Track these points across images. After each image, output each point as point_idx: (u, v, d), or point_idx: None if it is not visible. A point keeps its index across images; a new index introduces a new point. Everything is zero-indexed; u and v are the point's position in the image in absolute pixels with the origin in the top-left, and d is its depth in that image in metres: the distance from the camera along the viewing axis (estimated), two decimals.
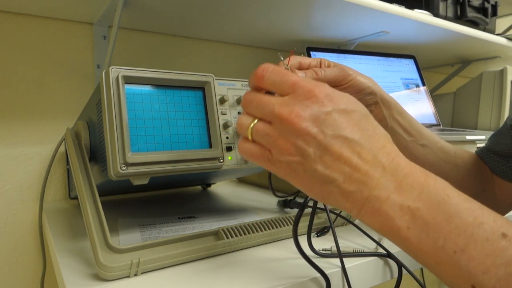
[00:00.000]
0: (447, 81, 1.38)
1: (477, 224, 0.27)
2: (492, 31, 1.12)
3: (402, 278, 0.46)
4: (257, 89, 0.34)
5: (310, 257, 0.41)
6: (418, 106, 1.05)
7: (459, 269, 0.27)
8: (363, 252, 0.47)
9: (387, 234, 0.30)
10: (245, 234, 0.48)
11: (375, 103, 0.47)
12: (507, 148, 0.54)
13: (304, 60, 0.44)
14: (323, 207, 0.51)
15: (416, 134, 0.50)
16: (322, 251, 0.46)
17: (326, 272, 0.41)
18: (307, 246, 0.45)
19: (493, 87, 1.16)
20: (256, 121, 0.32)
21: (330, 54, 0.98)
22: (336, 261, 0.45)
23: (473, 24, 1.05)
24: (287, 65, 0.39)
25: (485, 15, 1.07)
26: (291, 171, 0.31)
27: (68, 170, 0.78)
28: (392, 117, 0.48)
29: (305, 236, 0.45)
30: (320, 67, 0.45)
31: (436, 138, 0.53)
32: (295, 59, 0.43)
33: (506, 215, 0.62)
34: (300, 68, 0.43)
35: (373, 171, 0.29)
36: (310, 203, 0.43)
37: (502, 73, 1.14)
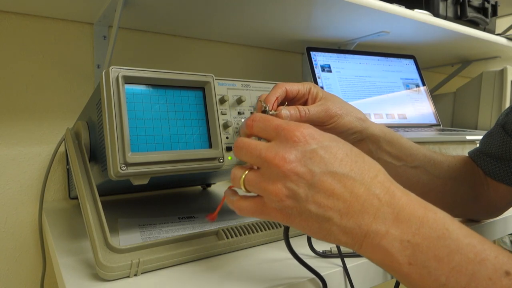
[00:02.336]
0: (447, 81, 1.38)
1: (478, 261, 0.26)
2: (492, 31, 1.12)
3: None
4: (248, 136, 0.35)
5: (311, 258, 0.41)
6: (418, 106, 1.05)
7: None
8: None
9: (389, 270, 0.29)
10: (245, 234, 0.48)
11: (360, 141, 0.47)
12: (499, 150, 0.53)
13: (292, 87, 0.43)
14: None
15: (408, 158, 0.50)
16: (322, 252, 0.46)
17: (327, 272, 0.41)
18: (307, 246, 0.45)
19: (493, 87, 1.16)
20: (247, 172, 0.33)
21: (330, 54, 0.98)
22: (337, 261, 0.45)
23: (473, 24, 1.05)
24: (266, 107, 0.40)
25: (485, 15, 1.07)
26: (287, 216, 0.31)
27: (68, 170, 0.78)
28: (380, 149, 0.48)
29: (305, 236, 0.45)
30: (308, 97, 0.45)
31: (428, 155, 0.52)
32: (280, 88, 0.42)
33: (502, 216, 0.62)
34: (288, 96, 0.43)
35: (369, 205, 0.28)
36: None
37: (502, 73, 1.14)
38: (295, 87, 0.44)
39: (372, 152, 0.48)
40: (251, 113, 0.52)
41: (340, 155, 0.30)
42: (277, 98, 0.42)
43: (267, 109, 0.40)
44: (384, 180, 0.30)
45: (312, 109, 0.43)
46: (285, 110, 0.41)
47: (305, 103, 0.45)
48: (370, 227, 0.28)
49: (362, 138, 0.47)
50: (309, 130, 0.31)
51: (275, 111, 0.41)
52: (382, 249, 0.28)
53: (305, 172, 0.29)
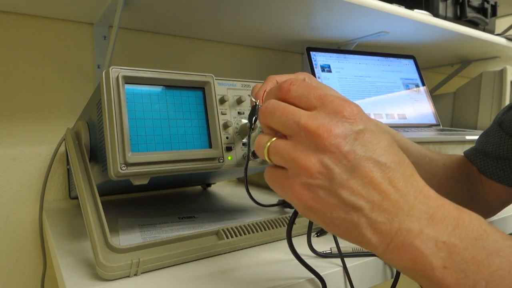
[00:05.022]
0: (447, 81, 1.38)
1: None
2: (491, 31, 1.12)
3: (403, 278, 0.46)
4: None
5: (311, 258, 0.41)
6: (418, 106, 1.05)
7: None
8: (363, 251, 0.47)
9: (418, 275, 0.25)
10: (245, 234, 0.48)
11: None
12: (496, 148, 0.53)
13: (281, 78, 0.39)
14: None
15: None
16: (322, 252, 0.46)
17: (327, 272, 0.41)
18: (307, 247, 0.45)
19: (493, 87, 1.16)
20: (274, 139, 0.29)
21: (330, 54, 0.98)
22: (337, 261, 0.45)
23: (473, 24, 1.05)
24: (257, 102, 0.37)
25: (485, 15, 1.07)
26: (310, 196, 0.27)
27: (68, 170, 0.78)
28: None
29: (305, 236, 0.45)
30: None
31: (424, 152, 0.52)
32: (270, 82, 0.39)
33: (496, 216, 0.62)
34: None
35: (404, 201, 0.26)
36: None
37: (502, 73, 1.14)
38: (286, 77, 0.40)
39: None
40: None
41: (384, 144, 0.27)
42: (264, 91, 0.38)
43: (257, 104, 0.37)
44: (419, 180, 0.27)
45: None
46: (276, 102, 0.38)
47: None
48: (403, 224, 0.25)
49: None
50: (359, 109, 0.28)
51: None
52: (414, 250, 0.25)
53: (349, 151, 0.26)
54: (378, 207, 0.26)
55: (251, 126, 0.39)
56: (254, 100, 0.38)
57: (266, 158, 0.29)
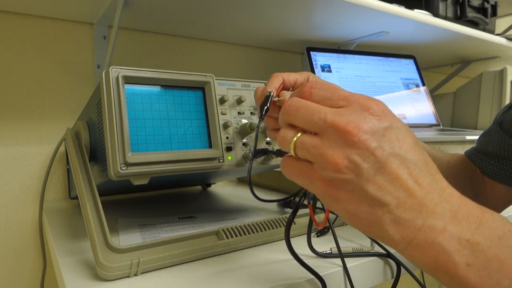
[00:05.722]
0: (447, 81, 1.38)
1: None
2: (492, 31, 1.12)
3: (403, 278, 0.46)
4: None
5: (311, 258, 0.41)
6: (418, 106, 1.05)
7: None
8: (363, 251, 0.47)
9: (440, 272, 0.26)
10: (245, 234, 0.48)
11: None
12: (497, 148, 0.53)
13: (289, 77, 0.40)
14: (321, 207, 0.51)
15: None
16: (322, 252, 0.46)
17: (327, 272, 0.41)
18: (307, 247, 0.45)
19: (493, 87, 1.16)
20: (300, 134, 0.29)
21: (330, 54, 0.98)
22: (337, 261, 0.45)
23: (473, 24, 1.05)
24: (271, 92, 0.37)
25: (485, 15, 1.07)
26: (335, 189, 0.27)
27: (68, 170, 0.78)
28: None
29: (305, 236, 0.45)
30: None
31: (427, 149, 0.51)
32: (277, 78, 0.39)
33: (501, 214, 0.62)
34: (285, 86, 0.41)
35: (429, 199, 0.26)
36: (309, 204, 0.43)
37: (502, 73, 1.14)
38: (292, 77, 0.41)
39: None
40: (251, 113, 0.52)
41: (410, 141, 0.27)
42: (281, 84, 0.39)
43: (272, 94, 0.37)
44: (443, 179, 0.28)
45: None
46: (288, 95, 0.38)
47: None
48: (427, 221, 0.25)
49: None
50: (384, 106, 0.28)
51: (279, 97, 0.38)
52: (437, 247, 0.25)
53: (376, 147, 0.26)
54: (403, 204, 0.26)
55: (261, 117, 0.39)
56: (268, 89, 0.38)
57: (292, 152, 0.30)
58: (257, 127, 0.42)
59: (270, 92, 0.38)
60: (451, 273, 0.25)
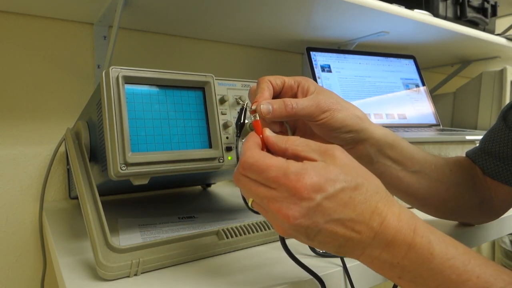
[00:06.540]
0: (447, 81, 1.38)
1: (461, 281, 0.30)
2: (492, 31, 1.12)
3: None
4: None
5: (311, 258, 0.41)
6: (418, 106, 1.05)
7: None
8: None
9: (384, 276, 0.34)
10: (245, 234, 0.48)
11: (358, 143, 0.44)
12: (502, 146, 0.52)
13: (276, 80, 0.41)
14: None
15: (408, 161, 0.48)
16: (322, 252, 0.46)
17: (327, 272, 0.41)
18: (307, 246, 0.45)
19: (493, 87, 1.16)
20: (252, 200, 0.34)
21: (330, 54, 0.98)
22: (337, 261, 0.45)
23: (473, 24, 1.05)
24: (245, 105, 0.38)
25: (485, 15, 1.07)
26: (290, 235, 0.33)
27: (68, 170, 0.79)
28: (380, 153, 0.46)
29: None
30: (297, 90, 0.42)
31: (430, 159, 0.50)
32: (263, 82, 0.40)
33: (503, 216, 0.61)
34: (274, 90, 0.41)
35: (366, 237, 0.31)
36: None
37: (502, 73, 1.14)
38: (279, 80, 0.41)
39: (371, 155, 0.45)
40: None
41: (344, 200, 0.31)
42: (260, 96, 0.40)
43: (246, 107, 0.38)
44: (382, 210, 0.32)
45: (300, 103, 0.39)
46: (266, 105, 0.38)
47: (295, 97, 0.42)
48: (365, 251, 0.32)
49: (360, 140, 0.44)
50: (312, 180, 0.30)
51: (254, 106, 0.38)
52: (375, 266, 0.33)
53: (309, 225, 0.31)
54: (344, 246, 0.32)
55: (238, 135, 0.39)
56: (241, 102, 0.40)
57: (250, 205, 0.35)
58: (236, 147, 0.42)
59: (242, 105, 0.38)
60: (390, 280, 0.33)
